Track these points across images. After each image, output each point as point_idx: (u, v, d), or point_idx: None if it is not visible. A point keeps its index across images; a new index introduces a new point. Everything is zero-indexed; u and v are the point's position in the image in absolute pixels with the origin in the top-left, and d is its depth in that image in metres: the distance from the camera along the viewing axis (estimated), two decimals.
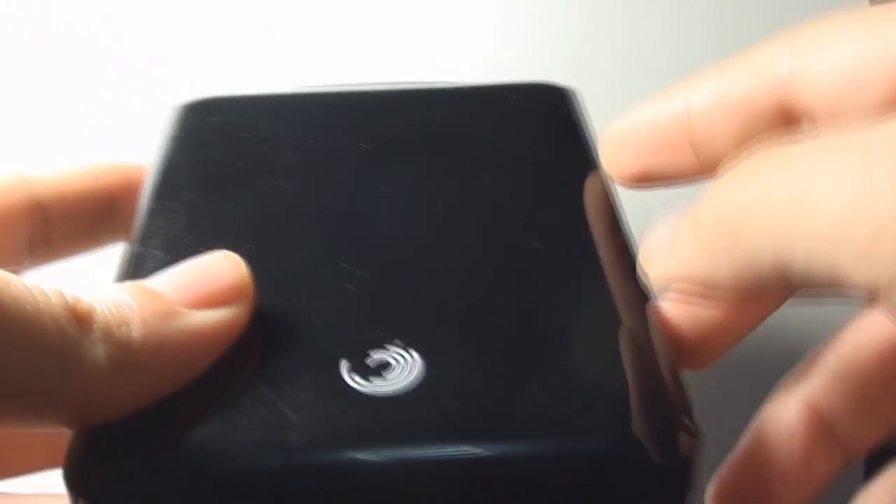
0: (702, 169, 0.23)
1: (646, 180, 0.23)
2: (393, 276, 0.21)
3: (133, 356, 0.18)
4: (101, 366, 0.17)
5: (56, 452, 0.23)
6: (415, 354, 0.19)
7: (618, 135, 0.24)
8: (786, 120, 0.22)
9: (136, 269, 0.21)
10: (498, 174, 0.24)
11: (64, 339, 0.17)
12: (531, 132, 0.25)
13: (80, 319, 0.17)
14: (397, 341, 0.19)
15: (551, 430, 0.18)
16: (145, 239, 0.22)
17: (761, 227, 0.17)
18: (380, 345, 0.19)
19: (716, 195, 0.18)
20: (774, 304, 0.23)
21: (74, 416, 0.18)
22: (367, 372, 0.19)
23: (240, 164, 0.24)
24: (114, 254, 0.26)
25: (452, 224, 0.23)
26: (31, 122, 0.37)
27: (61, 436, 0.19)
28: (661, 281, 0.20)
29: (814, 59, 0.21)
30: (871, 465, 0.36)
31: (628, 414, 0.18)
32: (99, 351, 0.17)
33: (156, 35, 0.37)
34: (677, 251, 0.19)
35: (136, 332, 0.18)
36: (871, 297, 0.16)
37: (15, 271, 0.23)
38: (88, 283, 0.19)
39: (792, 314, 0.37)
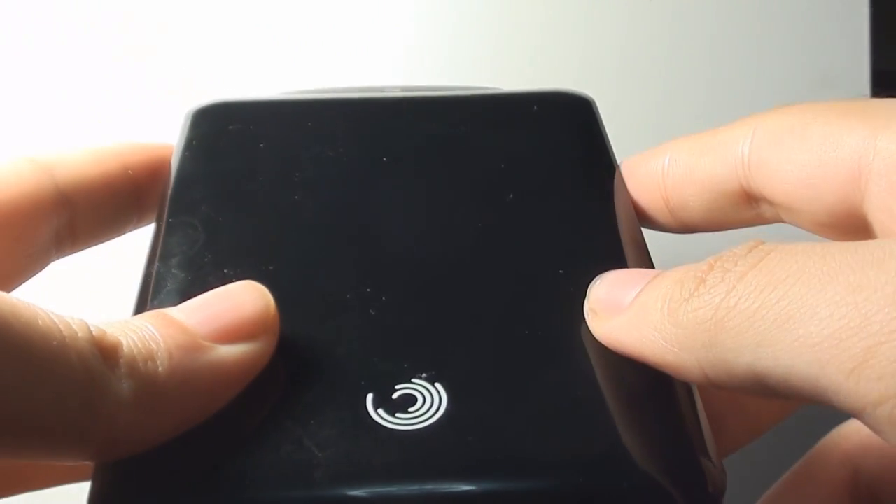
0: (679, 229, 0.24)
1: None
2: (418, 300, 0.21)
3: (158, 392, 0.17)
4: (126, 401, 0.17)
5: (75, 467, 0.23)
6: (440, 389, 0.19)
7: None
8: (748, 200, 0.23)
9: (157, 290, 0.21)
10: (528, 192, 0.23)
11: (89, 375, 0.17)
12: (560, 147, 0.25)
13: (106, 354, 0.17)
14: (423, 375, 0.19)
15: (576, 469, 0.18)
16: (165, 258, 0.22)
17: (744, 334, 0.17)
18: (406, 379, 0.19)
19: (700, 294, 0.18)
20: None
21: (98, 450, 0.17)
22: (392, 407, 0.19)
23: (258, 177, 0.24)
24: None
25: (479, 244, 0.22)
26: (30, 121, 0.37)
27: None
28: (614, 344, 0.20)
29: (772, 157, 0.21)
30: None
31: (655, 455, 0.18)
32: (124, 386, 0.17)
33: (154, 34, 0.37)
34: (645, 324, 0.19)
35: (161, 367, 0.18)
36: (853, 414, 0.16)
37: (43, 265, 0.23)
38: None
39: None
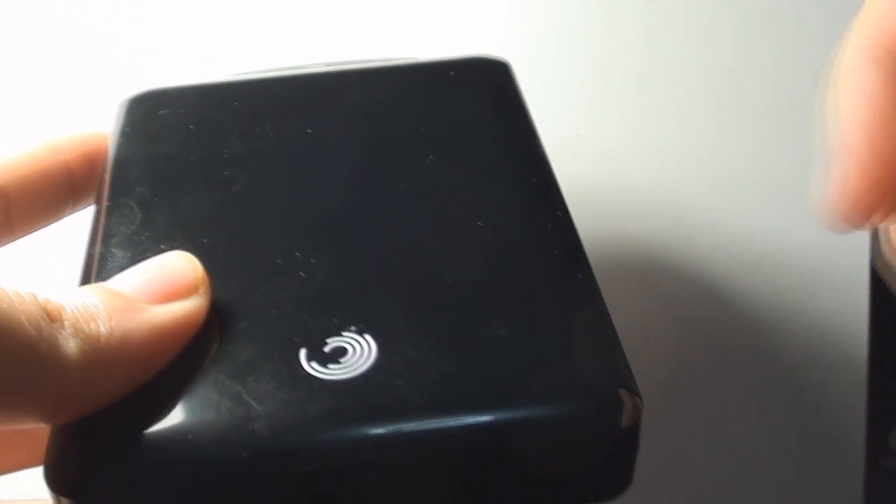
0: None
1: None
2: (346, 260, 0.22)
3: (102, 350, 0.19)
4: (74, 359, 0.18)
5: (32, 452, 0.24)
6: (369, 339, 0.20)
7: None
8: None
9: (98, 269, 0.22)
10: (448, 153, 0.25)
11: (39, 334, 0.18)
12: (478, 109, 0.26)
13: (52, 317, 0.18)
14: (353, 328, 0.20)
15: (498, 403, 0.19)
16: (105, 239, 0.23)
17: None
18: (336, 332, 0.20)
19: None
20: None
21: (51, 409, 0.18)
22: (324, 359, 0.20)
23: (190, 157, 0.25)
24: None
25: (403, 205, 0.23)
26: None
27: (36, 435, 0.19)
28: None
29: None
30: (872, 459, 0.37)
31: (574, 385, 0.19)
32: (71, 345, 0.18)
33: (123, 22, 0.37)
34: None
35: (103, 327, 0.19)
36: None
37: None
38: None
39: (774, 306, 0.38)
